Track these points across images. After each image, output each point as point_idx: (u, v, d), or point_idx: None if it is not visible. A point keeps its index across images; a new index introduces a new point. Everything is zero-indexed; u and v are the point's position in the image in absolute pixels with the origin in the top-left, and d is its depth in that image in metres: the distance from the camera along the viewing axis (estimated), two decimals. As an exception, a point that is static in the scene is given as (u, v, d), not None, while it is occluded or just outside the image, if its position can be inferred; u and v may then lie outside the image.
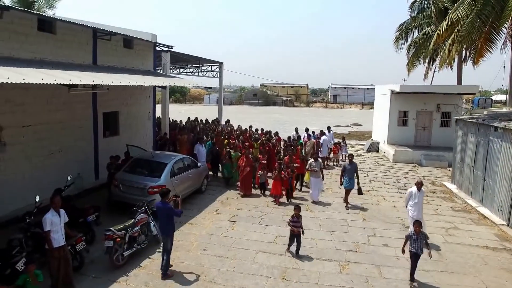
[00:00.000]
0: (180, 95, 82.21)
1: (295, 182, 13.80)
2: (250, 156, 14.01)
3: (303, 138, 18.97)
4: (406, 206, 9.92)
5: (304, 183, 14.56)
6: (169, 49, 17.47)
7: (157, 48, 17.41)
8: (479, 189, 13.04)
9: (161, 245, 8.18)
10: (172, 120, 25.19)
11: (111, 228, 7.84)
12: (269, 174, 14.52)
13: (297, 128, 20.03)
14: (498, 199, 11.64)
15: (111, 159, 12.04)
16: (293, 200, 12.89)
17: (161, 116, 20.41)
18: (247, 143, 16.25)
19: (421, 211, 9.69)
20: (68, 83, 8.03)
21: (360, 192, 12.75)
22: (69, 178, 9.47)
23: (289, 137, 18.53)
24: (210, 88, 31.57)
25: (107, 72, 11.82)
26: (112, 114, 14.89)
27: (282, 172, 12.72)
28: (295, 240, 8.99)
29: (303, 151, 16.93)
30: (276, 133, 19.50)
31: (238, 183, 14.11)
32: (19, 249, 7.13)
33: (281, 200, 12.80)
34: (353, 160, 12.89)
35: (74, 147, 12.65)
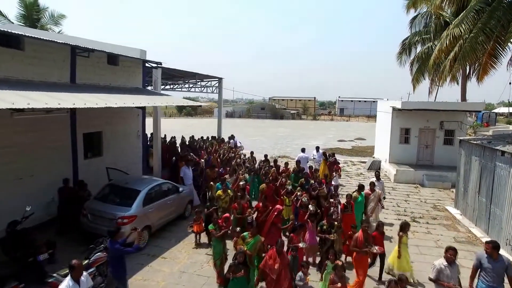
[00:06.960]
0: (191, 108, 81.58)
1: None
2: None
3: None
4: None
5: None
6: (158, 66, 16.73)
7: (147, 65, 16.67)
8: (485, 217, 11.92)
9: None
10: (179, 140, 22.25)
11: (55, 274, 6.83)
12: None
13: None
14: (506, 231, 10.47)
15: (63, 182, 11.21)
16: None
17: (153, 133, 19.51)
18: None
19: None
20: (10, 107, 7.16)
21: None
22: (27, 209, 8.61)
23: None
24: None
25: (82, 92, 11.04)
26: (94, 134, 14.10)
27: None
28: None
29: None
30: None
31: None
32: None
33: None
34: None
35: (49, 170, 11.80)
